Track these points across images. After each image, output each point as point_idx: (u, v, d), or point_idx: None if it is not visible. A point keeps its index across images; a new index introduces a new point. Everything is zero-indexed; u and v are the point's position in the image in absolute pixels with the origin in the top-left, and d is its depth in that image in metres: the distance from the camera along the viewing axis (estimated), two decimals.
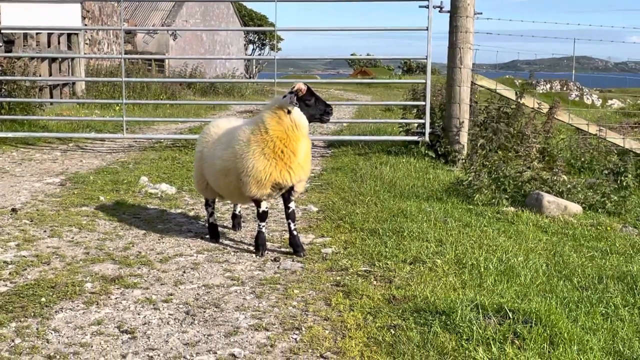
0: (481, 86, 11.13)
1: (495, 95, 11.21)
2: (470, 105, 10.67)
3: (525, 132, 10.80)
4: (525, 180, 7.59)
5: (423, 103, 11.06)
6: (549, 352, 3.68)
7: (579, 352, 3.68)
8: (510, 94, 11.08)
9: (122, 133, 11.77)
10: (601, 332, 4.01)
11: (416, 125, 11.32)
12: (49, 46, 16.37)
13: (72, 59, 17.84)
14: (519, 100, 10.90)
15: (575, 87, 45.82)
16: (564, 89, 46.83)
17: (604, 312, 4.40)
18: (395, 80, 25.94)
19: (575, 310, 4.35)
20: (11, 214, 6.75)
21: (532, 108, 11.04)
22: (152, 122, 15.38)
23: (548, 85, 47.35)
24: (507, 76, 51.26)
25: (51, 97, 16.02)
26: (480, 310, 4.19)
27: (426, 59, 11.08)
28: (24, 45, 14.55)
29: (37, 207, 7.07)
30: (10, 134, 11.43)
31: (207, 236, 6.16)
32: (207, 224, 6.25)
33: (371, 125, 16.03)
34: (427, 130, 10.84)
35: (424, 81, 11.20)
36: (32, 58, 14.58)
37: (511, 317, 4.05)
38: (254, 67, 45.64)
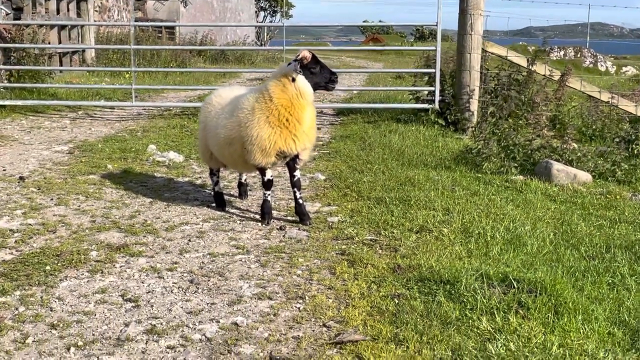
0: (492, 53, 11.00)
1: (506, 63, 11.09)
2: (481, 73, 10.57)
3: (536, 100, 10.72)
4: (534, 149, 7.52)
5: (433, 70, 10.96)
6: (553, 321, 3.65)
7: (583, 322, 3.65)
8: (521, 60, 10.96)
9: (131, 101, 11.72)
10: (607, 302, 3.99)
11: (426, 93, 11.23)
12: (57, 13, 16.28)
13: (82, 26, 17.76)
14: (530, 67, 10.79)
15: (590, 54, 45.46)
16: (578, 55, 46.48)
17: (610, 281, 4.37)
18: (404, 47, 25.73)
19: (582, 280, 4.32)
20: (19, 182, 6.76)
21: (544, 75, 10.92)
22: (162, 90, 15.33)
23: (562, 52, 47.02)
24: (520, 43, 50.97)
25: (61, 65, 15.96)
26: (485, 280, 4.16)
27: (437, 25, 10.98)
28: (32, 13, 14.46)
29: (45, 175, 7.07)
30: (19, 102, 11.42)
31: (214, 204, 6.15)
32: (213, 193, 6.23)
33: (381, 92, 15.95)
34: (437, 98, 10.76)
35: (434, 48, 11.10)
36: (41, 26, 14.50)
37: (516, 286, 4.02)
38: (266, 34, 45.39)
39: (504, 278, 4.20)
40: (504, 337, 3.46)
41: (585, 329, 3.58)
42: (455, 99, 10.55)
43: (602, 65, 43.89)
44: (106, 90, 13.92)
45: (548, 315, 3.71)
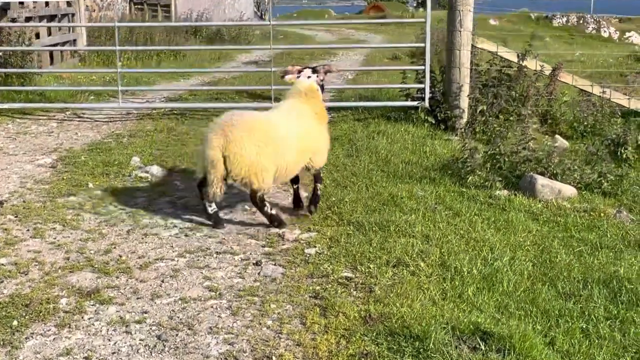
0: (482, 49, 10.87)
1: (497, 57, 10.95)
2: (471, 69, 10.44)
3: (528, 95, 10.61)
4: (519, 161, 7.42)
5: (423, 67, 10.83)
6: None
7: None
8: (512, 56, 10.84)
9: (117, 102, 11.63)
10: (577, 358, 3.93)
11: (416, 90, 11.10)
12: (46, 5, 16.10)
13: (72, 14, 17.60)
14: (520, 62, 10.66)
15: (592, 20, 45.07)
16: (581, 22, 46.13)
17: (584, 327, 4.32)
18: (394, 20, 25.51)
19: (555, 329, 4.27)
20: None
21: (535, 70, 10.79)
22: (153, 81, 15.24)
23: (564, 19, 46.68)
24: (523, 8, 50.56)
25: (51, 58, 15.81)
26: (455, 333, 4.11)
27: (425, 21, 10.84)
28: (20, 7, 14.29)
29: (25, 198, 7.00)
30: (6, 105, 11.31)
31: (192, 232, 6.10)
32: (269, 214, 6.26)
33: (373, 79, 15.84)
34: (427, 95, 10.64)
35: (423, 20, 10.97)
36: (29, 19, 14.36)
37: (483, 346, 3.96)
38: (267, 3, 44.79)
39: (475, 330, 4.15)
40: None
41: None
42: (445, 97, 10.45)
43: (605, 31, 43.56)
44: (96, 84, 13.89)
45: None
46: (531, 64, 10.74)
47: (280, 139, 6.06)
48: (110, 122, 11.14)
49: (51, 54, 15.89)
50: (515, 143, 7.64)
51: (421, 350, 3.98)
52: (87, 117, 11.50)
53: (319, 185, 6.66)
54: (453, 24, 10.23)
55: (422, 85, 10.79)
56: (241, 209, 6.78)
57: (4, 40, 12.62)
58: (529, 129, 7.59)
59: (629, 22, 49.46)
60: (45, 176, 7.85)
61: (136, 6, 29.89)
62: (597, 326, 4.34)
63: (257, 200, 6.11)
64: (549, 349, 4.00)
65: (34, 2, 15.10)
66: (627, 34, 43.13)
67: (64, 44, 16.82)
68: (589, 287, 4.92)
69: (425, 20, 10.79)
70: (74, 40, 17.66)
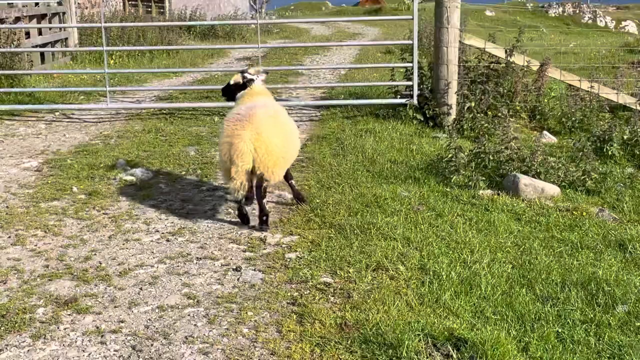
0: (470, 45, 10.86)
1: (486, 52, 10.94)
2: (460, 66, 10.43)
3: (516, 91, 10.60)
4: (503, 160, 7.42)
5: (410, 64, 10.82)
6: None
7: None
8: (500, 52, 10.83)
9: (106, 102, 11.62)
10: None
11: (404, 87, 11.09)
12: (36, 5, 16.07)
13: (64, 13, 17.56)
14: (508, 58, 10.65)
15: (588, 9, 45.05)
16: (577, 11, 46.13)
17: (559, 331, 4.33)
18: (380, 17, 25.52)
19: (529, 334, 4.27)
20: None
21: (522, 66, 10.78)
22: (145, 79, 15.23)
23: (560, 9, 46.64)
24: None
25: (42, 57, 15.78)
26: (429, 340, 4.11)
27: (412, 19, 10.82)
28: (9, 6, 14.28)
29: (8, 203, 7.00)
30: None
31: (173, 236, 6.11)
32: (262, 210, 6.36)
33: (364, 75, 15.82)
34: (415, 92, 10.63)
35: (411, 17, 10.97)
36: (18, 20, 14.35)
37: (456, 354, 3.96)
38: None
39: (449, 336, 4.15)
40: None
41: None
42: (433, 93, 10.44)
43: (601, 20, 43.57)
44: (87, 84, 13.89)
45: None
46: (519, 59, 10.72)
47: (292, 133, 6.50)
48: (99, 122, 11.13)
49: (42, 54, 15.86)
50: (499, 142, 7.62)
51: (394, 358, 3.98)
52: (75, 118, 11.49)
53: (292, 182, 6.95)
54: (440, 20, 10.22)
55: (410, 83, 10.78)
56: (224, 211, 6.77)
57: None
58: (510, 128, 7.56)
59: (626, 11, 49.48)
60: (30, 180, 7.84)
61: (130, 2, 29.88)
62: (573, 330, 4.34)
63: (262, 192, 6.25)
64: (522, 355, 4.01)
65: (23, 3, 15.08)
66: (624, 23, 43.15)
67: (55, 42, 16.80)
68: (567, 289, 4.92)
69: (413, 17, 10.77)
70: (65, 39, 17.64)
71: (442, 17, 10.18)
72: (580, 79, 10.92)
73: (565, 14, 45.55)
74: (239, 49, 22.72)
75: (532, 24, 37.50)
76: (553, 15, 45.51)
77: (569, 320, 4.48)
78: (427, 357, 3.95)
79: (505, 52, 10.68)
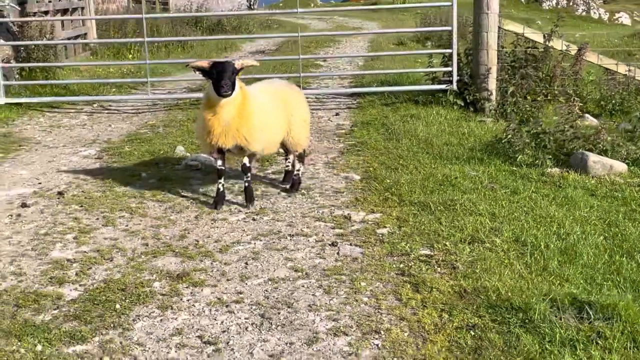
0: (508, 30, 10.98)
1: (522, 38, 11.05)
2: (498, 51, 10.55)
3: (554, 75, 10.73)
4: (567, 139, 7.53)
5: (450, 51, 10.93)
6: (633, 352, 3.71)
7: None
8: (537, 37, 10.95)
9: (146, 93, 11.70)
10: None
11: (442, 73, 11.21)
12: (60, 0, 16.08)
13: (82, 7, 17.57)
14: (547, 43, 10.77)
15: (582, 2, 45.24)
16: (571, 4, 46.28)
17: None
18: (417, 4, 25.39)
19: None
20: (58, 198, 6.76)
21: (560, 50, 10.91)
22: (167, 73, 15.30)
23: (554, 1, 46.84)
24: None
25: (65, 49, 15.79)
26: (554, 304, 4.22)
27: (452, 4, 10.93)
28: (37, 2, 14.28)
29: (82, 189, 7.07)
30: (35, 99, 11.36)
31: (258, 216, 6.20)
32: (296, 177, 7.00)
33: (386, 65, 15.90)
34: (455, 78, 10.75)
35: (449, 3, 11.03)
36: (46, 12, 14.37)
37: (591, 314, 4.07)
38: None
39: (572, 301, 4.26)
40: None
41: None
42: (473, 79, 10.54)
43: (594, 12, 43.77)
44: (114, 76, 13.94)
45: (627, 345, 3.77)
46: (557, 44, 10.85)
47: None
48: (140, 113, 11.20)
49: (65, 46, 15.88)
50: (562, 121, 7.73)
51: (526, 321, 4.08)
52: (114, 109, 11.56)
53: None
54: (480, 6, 10.32)
55: (449, 69, 10.89)
56: (301, 193, 6.85)
57: (25, 35, 12.64)
58: (576, 107, 7.68)
59: (615, 3, 49.74)
60: (95, 167, 7.91)
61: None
62: None
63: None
64: None
65: None
66: (617, 15, 43.38)
67: (76, 37, 16.82)
68: None
69: (452, 4, 10.88)
70: (85, 34, 17.66)
71: (483, 3, 10.28)
72: (617, 62, 11.06)
73: (559, 6, 45.77)
74: (249, 41, 22.82)
75: (526, 17, 37.68)
76: (547, 7, 45.73)
77: None
78: (562, 319, 4.05)
79: (544, 36, 10.81)
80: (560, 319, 4.06)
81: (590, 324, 3.98)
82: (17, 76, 12.29)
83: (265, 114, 6.30)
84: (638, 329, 3.89)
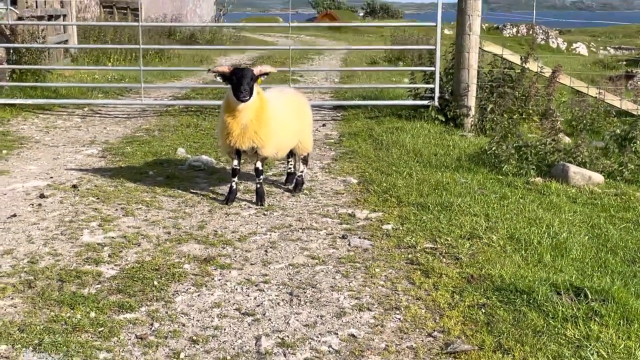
0: (488, 52, 11.59)
1: (499, 59, 11.67)
2: (477, 70, 11.14)
3: (529, 95, 11.35)
4: (548, 152, 8.11)
5: (433, 69, 11.50)
6: (626, 328, 4.22)
7: None
8: (515, 58, 11.57)
9: (140, 99, 12.07)
10: None
11: (424, 90, 11.77)
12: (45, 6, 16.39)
13: (64, 15, 17.87)
14: (523, 65, 11.40)
15: (541, 31, 46.38)
16: (530, 32, 47.38)
17: None
18: (404, 24, 26.09)
19: (633, 286, 4.90)
20: (73, 191, 7.12)
21: (535, 72, 11.54)
22: (150, 81, 15.65)
23: (514, 29, 48.00)
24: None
25: (48, 54, 16.08)
26: (556, 289, 4.72)
27: (436, 25, 11.51)
28: (26, 7, 14.60)
29: (95, 183, 7.43)
30: (29, 101, 11.65)
31: (269, 212, 6.63)
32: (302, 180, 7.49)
33: (369, 80, 16.47)
34: (437, 95, 11.31)
35: (434, 24, 11.59)
36: (40, 18, 14.68)
37: (588, 295, 4.58)
38: (225, 8, 44.90)
39: (570, 286, 4.76)
40: (592, 344, 4.02)
41: None
42: (454, 96, 11.12)
43: (553, 42, 44.99)
44: (100, 82, 14.24)
45: (620, 322, 4.28)
46: (533, 65, 11.49)
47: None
48: (132, 118, 11.57)
49: (48, 53, 16.17)
50: (545, 135, 8.30)
51: (530, 301, 4.58)
52: (104, 114, 11.90)
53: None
54: (462, 27, 10.92)
55: (431, 86, 11.46)
56: (304, 194, 7.29)
57: (17, 39, 12.95)
58: (557, 122, 8.26)
59: (569, 34, 51.20)
60: (101, 165, 8.28)
61: (105, 9, 30.14)
62: None
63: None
64: (638, 300, 4.63)
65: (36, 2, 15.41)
66: (574, 45, 44.68)
67: (58, 43, 17.09)
68: None
69: (437, 24, 11.46)
70: (66, 41, 17.94)
71: (465, 24, 10.87)
72: (588, 86, 11.73)
73: (519, 35, 46.95)
74: (223, 54, 23.27)
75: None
76: (507, 35, 46.91)
77: None
78: (563, 300, 4.56)
79: (521, 58, 11.43)
80: (561, 299, 4.56)
81: (588, 304, 4.49)
82: (8, 78, 12.56)
83: (281, 119, 6.76)
84: (629, 309, 4.39)
